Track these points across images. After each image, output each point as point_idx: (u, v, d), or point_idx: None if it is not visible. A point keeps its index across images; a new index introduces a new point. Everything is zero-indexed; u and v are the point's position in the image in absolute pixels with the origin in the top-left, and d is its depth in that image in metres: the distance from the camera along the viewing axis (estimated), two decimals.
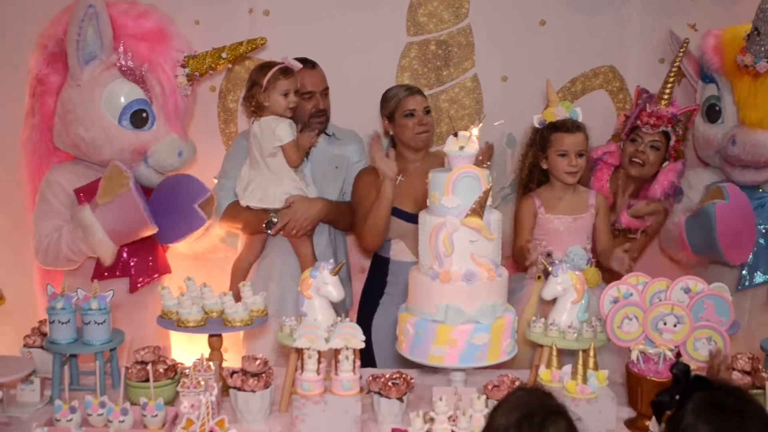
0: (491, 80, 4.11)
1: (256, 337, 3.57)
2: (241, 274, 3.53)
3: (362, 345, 2.54)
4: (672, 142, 3.61)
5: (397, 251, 3.54)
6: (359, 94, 3.97)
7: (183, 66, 3.39)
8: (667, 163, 3.64)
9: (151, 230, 3.27)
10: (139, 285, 3.41)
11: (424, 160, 3.55)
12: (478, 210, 2.55)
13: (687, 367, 1.96)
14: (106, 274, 3.33)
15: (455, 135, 2.65)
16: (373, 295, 3.64)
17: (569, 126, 3.31)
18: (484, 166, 3.05)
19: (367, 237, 3.48)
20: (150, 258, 3.46)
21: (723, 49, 3.68)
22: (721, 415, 1.77)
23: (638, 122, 3.58)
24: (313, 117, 3.58)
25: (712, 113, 3.74)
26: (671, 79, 3.65)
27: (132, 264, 3.41)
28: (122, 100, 3.34)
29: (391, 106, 3.53)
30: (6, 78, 3.82)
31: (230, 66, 3.45)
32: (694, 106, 3.77)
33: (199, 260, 3.87)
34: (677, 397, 1.88)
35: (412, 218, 3.29)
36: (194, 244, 3.59)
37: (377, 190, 3.45)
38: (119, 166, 3.21)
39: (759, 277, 3.66)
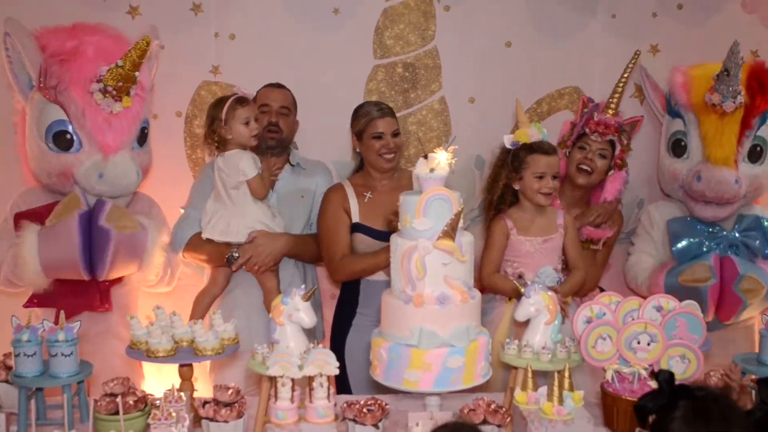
0: (459, 102, 4.13)
1: (224, 366, 3.51)
2: (202, 307, 3.47)
3: (336, 371, 2.51)
4: (617, 151, 3.65)
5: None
6: (327, 118, 3.98)
7: (98, 81, 3.29)
8: (612, 171, 3.67)
9: (77, 271, 3.26)
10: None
11: (392, 176, 3.55)
12: (450, 232, 2.54)
13: (671, 374, 1.97)
14: (35, 301, 3.35)
15: (425, 157, 2.64)
16: (345, 317, 3.58)
17: (546, 148, 3.32)
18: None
19: (345, 276, 3.52)
20: (81, 292, 3.39)
21: (691, 86, 3.75)
22: (708, 423, 1.79)
23: (586, 130, 3.61)
24: (267, 131, 3.56)
25: (678, 148, 3.81)
26: (619, 89, 3.71)
27: (57, 295, 3.36)
28: (45, 122, 3.33)
29: (361, 124, 3.51)
30: None
31: (137, 73, 3.33)
32: (638, 117, 3.82)
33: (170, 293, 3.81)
34: (660, 404, 1.89)
35: (382, 236, 3.30)
36: (140, 275, 3.54)
37: (345, 212, 3.44)
38: (77, 195, 3.24)
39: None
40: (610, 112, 3.65)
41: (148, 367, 3.55)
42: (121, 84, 3.30)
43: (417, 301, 2.56)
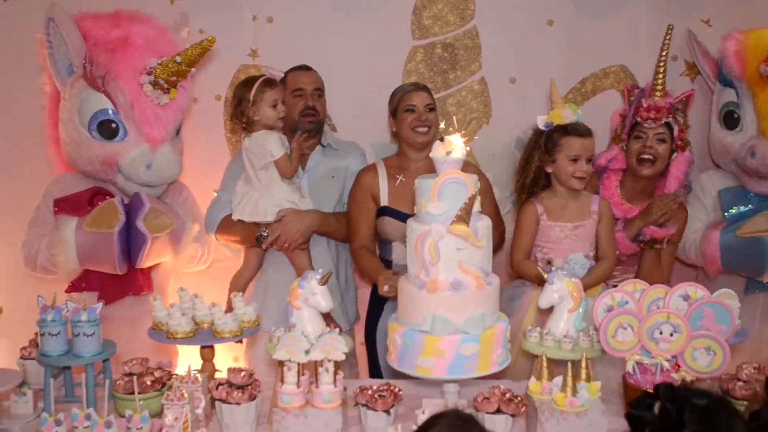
0: (499, 82, 4.04)
1: (258, 347, 3.52)
2: (237, 289, 3.50)
3: (342, 357, 2.48)
4: (676, 132, 3.45)
5: (400, 254, 3.45)
6: (365, 101, 3.96)
7: (149, 73, 3.32)
8: (675, 154, 3.49)
9: (115, 272, 3.32)
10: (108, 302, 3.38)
11: (427, 159, 3.48)
12: (464, 217, 2.47)
13: (671, 388, 1.84)
14: (82, 285, 3.39)
15: (441, 140, 2.58)
16: (379, 301, 3.55)
17: (581, 130, 3.20)
18: None
19: (356, 264, 3.58)
20: (122, 276, 3.42)
21: (745, 55, 3.55)
22: None
23: (638, 119, 3.44)
24: (303, 116, 3.54)
25: (730, 120, 3.62)
26: (661, 69, 3.49)
27: (101, 280, 3.40)
28: (89, 110, 3.35)
29: (395, 101, 3.49)
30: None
31: (194, 71, 3.38)
32: (689, 91, 3.60)
33: (208, 271, 3.85)
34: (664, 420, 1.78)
35: None
36: (177, 261, 3.58)
37: (372, 197, 3.41)
38: (116, 205, 3.28)
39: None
40: (658, 94, 3.46)
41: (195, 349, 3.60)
42: (174, 79, 3.35)
43: (431, 287, 2.51)
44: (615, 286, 3.31)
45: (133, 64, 3.32)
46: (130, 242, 3.33)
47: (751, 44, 3.53)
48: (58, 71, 3.41)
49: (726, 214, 3.58)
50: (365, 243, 3.45)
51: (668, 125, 3.45)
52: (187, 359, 3.65)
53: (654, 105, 3.42)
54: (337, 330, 2.65)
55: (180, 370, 3.27)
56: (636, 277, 3.24)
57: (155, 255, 3.40)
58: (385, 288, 3.18)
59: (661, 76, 3.49)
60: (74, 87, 3.39)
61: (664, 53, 3.52)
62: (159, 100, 3.35)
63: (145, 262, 3.36)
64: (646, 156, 3.43)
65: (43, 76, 3.49)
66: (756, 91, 3.49)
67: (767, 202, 3.56)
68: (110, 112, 3.36)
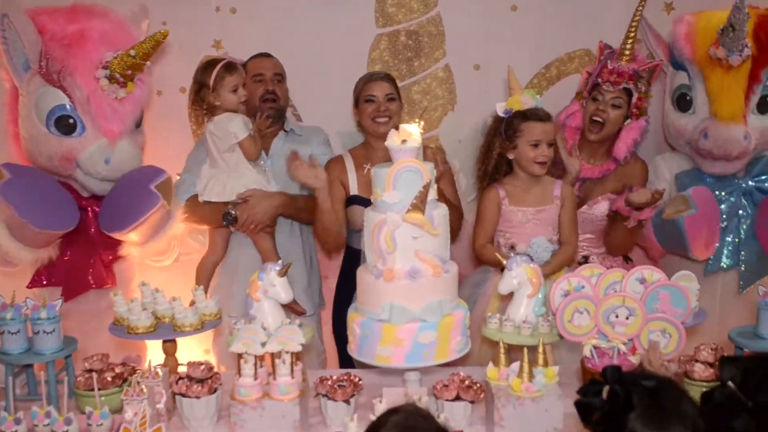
0: (464, 69, 4.04)
1: (223, 339, 3.52)
2: (205, 274, 3.51)
3: (299, 348, 2.47)
4: (634, 99, 3.45)
5: None
6: (330, 90, 3.95)
7: (105, 67, 3.28)
8: (629, 120, 3.49)
9: (38, 229, 3.20)
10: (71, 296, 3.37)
11: None
12: (419, 205, 2.48)
13: (618, 370, 1.84)
14: (43, 281, 3.37)
15: (397, 128, 2.58)
16: (346, 291, 3.55)
17: (541, 115, 3.19)
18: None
19: (322, 243, 3.54)
20: (85, 269, 3.41)
21: (695, 38, 3.53)
22: (665, 417, 1.69)
23: (599, 80, 3.44)
24: (264, 101, 3.54)
25: (683, 102, 3.62)
26: (632, 34, 3.48)
27: (62, 274, 3.38)
28: (46, 106, 3.32)
29: (356, 91, 3.50)
30: None
31: (149, 64, 3.34)
32: (658, 61, 3.60)
33: (175, 264, 3.82)
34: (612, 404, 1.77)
35: None
36: (143, 251, 3.52)
37: (341, 184, 3.40)
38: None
39: (725, 260, 3.58)
40: (625, 58, 3.45)
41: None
42: (129, 72, 3.30)
43: (387, 276, 2.52)
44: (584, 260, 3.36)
45: (88, 59, 3.28)
46: (127, 205, 3.28)
47: (701, 26, 3.53)
48: (14, 67, 3.37)
49: None
50: None
51: (628, 91, 3.45)
52: (156, 354, 3.65)
53: (617, 69, 3.42)
54: (298, 321, 2.65)
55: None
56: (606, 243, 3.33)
57: (148, 228, 3.34)
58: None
59: (630, 41, 3.48)
60: (31, 83, 3.36)
61: (636, 18, 3.51)
62: (116, 94, 3.31)
63: (136, 227, 3.28)
64: (597, 118, 3.45)
65: (2, 72, 3.45)
66: (707, 73, 3.49)
67: (724, 181, 3.58)
68: (67, 107, 3.32)
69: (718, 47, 3.35)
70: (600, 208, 3.49)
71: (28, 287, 3.38)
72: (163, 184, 3.32)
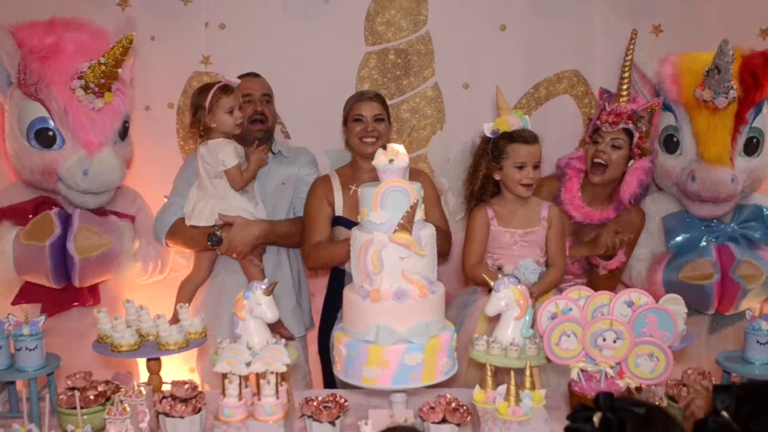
0: (453, 88, 4.04)
1: (207, 358, 3.49)
2: (186, 294, 3.48)
3: (284, 369, 2.45)
4: (635, 140, 3.43)
5: None
6: (319, 107, 3.95)
7: (80, 78, 3.26)
8: (632, 161, 3.46)
9: (50, 285, 3.29)
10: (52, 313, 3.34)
11: None
12: (406, 225, 2.46)
13: (611, 397, 1.82)
14: (24, 297, 3.36)
15: (384, 148, 2.56)
16: (331, 311, 3.55)
17: (527, 137, 3.19)
18: None
19: (313, 262, 3.50)
20: (68, 287, 3.39)
21: (681, 79, 3.55)
22: None
23: (598, 122, 3.44)
24: (252, 122, 3.53)
25: (670, 144, 3.61)
26: (626, 74, 3.50)
27: (45, 291, 3.36)
28: (26, 119, 3.31)
29: (345, 109, 3.49)
30: None
31: (119, 70, 3.31)
32: (656, 101, 3.58)
33: (163, 281, 3.79)
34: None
35: None
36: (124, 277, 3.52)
37: (328, 203, 3.39)
38: (51, 217, 3.26)
39: None
40: (622, 99, 3.45)
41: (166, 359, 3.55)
42: (103, 81, 3.27)
43: (374, 296, 2.49)
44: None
45: (64, 70, 3.27)
46: (66, 261, 3.28)
47: (686, 68, 3.54)
48: None
49: (670, 242, 3.58)
50: (321, 240, 3.40)
51: (628, 132, 3.42)
52: (146, 371, 3.62)
53: (615, 110, 3.40)
54: (283, 341, 2.63)
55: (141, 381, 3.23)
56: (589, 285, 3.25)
57: (91, 276, 3.36)
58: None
59: (625, 81, 3.49)
60: (13, 97, 3.36)
61: (628, 58, 3.53)
62: (93, 105, 3.29)
63: (81, 282, 3.33)
64: (598, 160, 3.41)
65: None
66: (693, 115, 3.50)
67: (710, 225, 3.59)
68: (47, 120, 3.31)
69: (704, 89, 3.36)
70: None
71: (12, 304, 3.35)
72: (78, 233, 3.27)
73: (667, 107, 3.61)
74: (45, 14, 3.47)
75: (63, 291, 3.38)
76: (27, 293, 3.40)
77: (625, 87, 3.48)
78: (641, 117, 3.45)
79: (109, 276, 3.45)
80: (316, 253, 3.39)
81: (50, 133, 3.32)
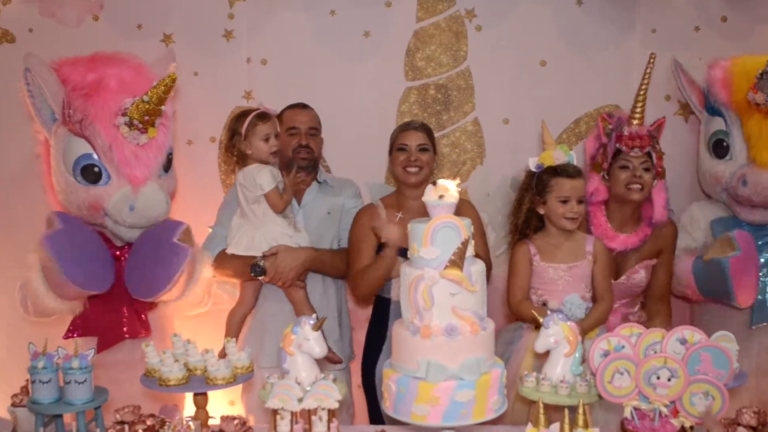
0: (492, 123, 4.06)
1: (254, 392, 3.48)
2: (234, 326, 3.49)
3: (336, 405, 2.44)
4: (655, 160, 3.45)
5: (398, 291, 3.35)
6: (360, 142, 3.99)
7: (124, 114, 3.30)
8: (655, 182, 3.48)
9: (67, 285, 3.22)
10: (105, 346, 3.36)
11: None
12: (458, 261, 2.45)
13: None
14: (75, 332, 3.38)
15: (434, 184, 2.57)
16: (376, 341, 3.54)
17: (571, 171, 3.20)
18: None
19: (360, 290, 3.45)
20: (119, 320, 3.41)
21: (732, 83, 3.54)
22: None
23: (622, 147, 3.43)
24: (296, 153, 3.54)
25: (719, 149, 3.61)
26: (641, 98, 3.51)
27: (96, 325, 3.38)
28: (72, 156, 3.35)
29: (391, 139, 3.51)
30: None
31: (163, 107, 3.34)
32: (660, 119, 3.58)
33: (205, 315, 3.79)
34: None
35: None
36: (180, 302, 3.49)
37: (374, 233, 3.39)
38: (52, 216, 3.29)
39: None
40: (636, 122, 3.47)
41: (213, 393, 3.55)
42: (147, 117, 3.32)
43: (424, 333, 2.48)
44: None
45: (107, 107, 3.30)
46: (159, 266, 3.27)
47: (738, 71, 3.54)
48: (42, 119, 3.43)
49: None
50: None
51: (648, 153, 3.45)
52: (192, 404, 3.62)
53: (637, 134, 3.42)
54: (332, 377, 2.61)
55: (187, 414, 3.21)
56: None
57: (182, 282, 3.33)
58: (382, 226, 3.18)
59: (640, 104, 3.51)
60: (58, 133, 3.40)
61: (645, 81, 3.54)
62: (137, 141, 3.33)
63: (172, 286, 3.28)
64: (635, 186, 3.43)
65: (35, 124, 3.48)
66: (744, 119, 3.49)
67: (760, 231, 3.55)
68: (92, 156, 3.35)
69: (757, 92, 3.34)
70: (638, 277, 3.50)
71: (63, 338, 3.36)
72: (184, 233, 3.34)
73: (715, 112, 3.61)
74: (88, 48, 3.52)
75: (115, 323, 3.40)
76: (79, 326, 3.41)
77: (639, 109, 3.50)
78: (654, 136, 3.49)
79: (181, 290, 3.39)
80: (360, 278, 3.39)
81: (96, 169, 3.36)
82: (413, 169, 3.41)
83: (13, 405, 2.90)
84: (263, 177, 3.32)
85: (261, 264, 3.38)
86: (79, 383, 2.72)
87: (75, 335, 3.38)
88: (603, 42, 4.01)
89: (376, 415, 3.51)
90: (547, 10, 4.02)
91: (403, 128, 3.49)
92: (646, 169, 3.44)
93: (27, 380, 2.95)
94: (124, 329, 3.42)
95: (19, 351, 3.16)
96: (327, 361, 2.65)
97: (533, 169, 3.25)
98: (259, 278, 3.41)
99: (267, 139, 3.36)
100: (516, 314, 3.27)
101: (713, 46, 3.96)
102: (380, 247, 3.42)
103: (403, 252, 3.28)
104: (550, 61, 4.01)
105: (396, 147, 3.44)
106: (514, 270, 3.24)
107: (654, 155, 3.46)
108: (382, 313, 3.51)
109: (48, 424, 2.80)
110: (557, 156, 3.20)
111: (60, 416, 2.85)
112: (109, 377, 2.99)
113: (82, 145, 3.35)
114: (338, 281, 3.67)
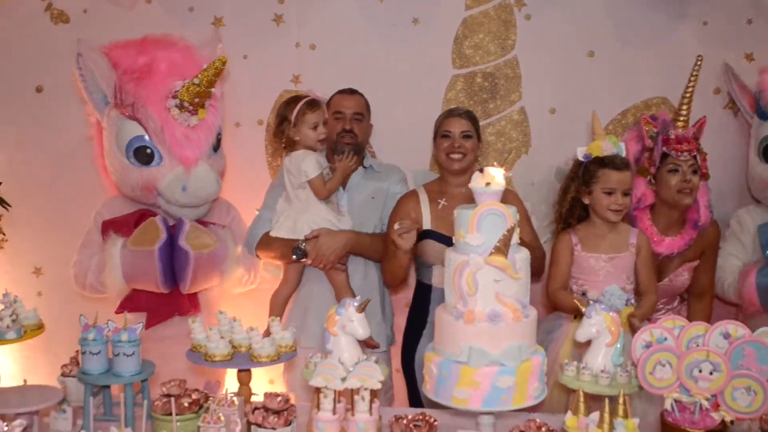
0: (539, 112, 4.06)
1: (296, 369, 3.54)
2: (277, 307, 3.55)
3: (379, 386, 2.47)
4: (699, 162, 3.43)
5: (440, 277, 3.44)
6: (406, 128, 4.01)
7: (174, 97, 3.37)
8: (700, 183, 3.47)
9: (157, 288, 3.38)
10: (154, 322, 3.44)
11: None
12: (503, 248, 2.47)
13: None
14: (131, 306, 3.45)
15: (481, 171, 2.59)
16: (416, 326, 3.58)
17: (618, 163, 3.20)
18: None
19: (383, 274, 3.56)
20: (169, 298, 3.49)
21: None
22: None
23: (671, 151, 3.40)
24: (340, 137, 3.58)
25: None
26: (686, 101, 3.48)
27: (147, 301, 3.46)
28: (125, 138, 3.43)
29: (435, 126, 3.54)
30: None
31: (214, 90, 3.42)
32: (701, 119, 3.52)
33: (248, 294, 3.86)
34: None
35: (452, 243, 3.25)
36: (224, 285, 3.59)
37: (416, 217, 3.42)
38: (157, 223, 3.35)
39: None
40: (680, 125, 3.44)
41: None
42: (197, 100, 3.39)
43: (468, 318, 2.50)
44: None
45: (158, 90, 3.37)
46: (176, 266, 3.38)
47: None
48: (94, 102, 3.51)
49: (766, 252, 3.52)
50: None
51: (694, 155, 3.43)
52: (234, 381, 3.69)
53: (685, 137, 3.40)
54: (374, 358, 2.65)
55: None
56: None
57: (202, 278, 3.43)
58: (396, 226, 3.16)
59: (685, 106, 3.48)
60: (110, 116, 3.48)
61: (691, 84, 3.50)
62: (188, 122, 3.40)
63: (191, 284, 3.41)
64: (686, 189, 3.40)
65: (87, 107, 3.57)
66: None
67: None
68: (144, 138, 3.42)
69: None
70: (682, 279, 3.50)
71: (116, 312, 3.45)
72: (190, 232, 3.38)
73: (766, 116, 3.56)
74: (141, 30, 3.60)
75: (165, 300, 3.48)
76: (130, 302, 3.49)
77: (684, 111, 3.47)
78: (697, 138, 3.46)
79: (216, 281, 3.52)
80: (383, 264, 3.49)
81: (148, 150, 3.44)
82: (456, 156, 3.42)
83: (63, 375, 2.99)
84: (309, 164, 3.36)
85: (302, 247, 3.43)
86: (128, 356, 2.78)
87: (127, 310, 3.45)
88: (652, 33, 3.97)
89: (415, 400, 3.55)
90: (596, 1, 3.99)
91: (447, 115, 3.50)
92: (694, 172, 3.41)
93: (77, 351, 3.03)
94: (174, 306, 3.50)
95: (67, 324, 3.29)
96: (365, 346, 2.68)
97: (581, 159, 3.25)
98: (301, 261, 3.46)
99: (315, 127, 3.40)
100: (552, 302, 3.28)
101: (764, 40, 3.91)
102: (422, 235, 3.45)
103: (447, 240, 3.33)
104: (598, 51, 4.00)
105: (440, 133, 3.46)
106: (555, 258, 3.26)
107: (699, 157, 3.43)
108: (423, 299, 3.54)
109: (96, 395, 2.88)
110: (606, 147, 3.20)
111: (108, 387, 2.94)
112: (157, 351, 3.06)
113: (134, 127, 3.43)
114: (380, 265, 3.70)
